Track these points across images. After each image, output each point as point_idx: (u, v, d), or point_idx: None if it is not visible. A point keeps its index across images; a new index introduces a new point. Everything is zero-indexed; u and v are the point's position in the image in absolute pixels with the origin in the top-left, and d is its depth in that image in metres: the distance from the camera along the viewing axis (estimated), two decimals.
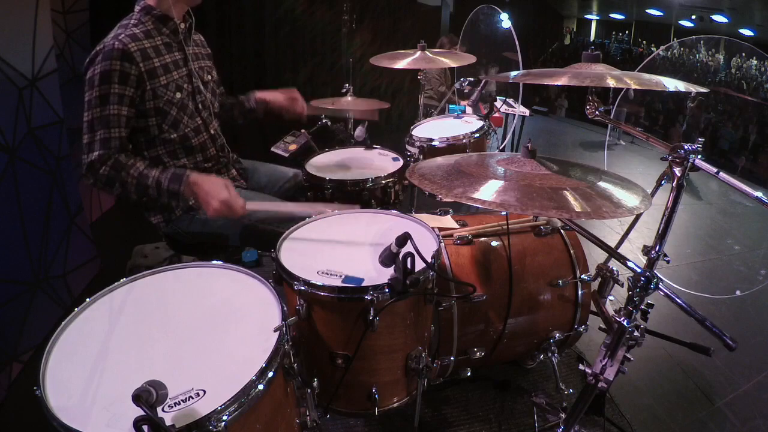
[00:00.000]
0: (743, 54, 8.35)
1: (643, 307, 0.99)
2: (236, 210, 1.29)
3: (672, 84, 0.97)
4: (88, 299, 0.99)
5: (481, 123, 2.23)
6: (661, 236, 0.97)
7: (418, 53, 2.21)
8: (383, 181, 1.76)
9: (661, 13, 10.65)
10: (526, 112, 4.14)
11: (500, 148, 3.97)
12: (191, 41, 1.52)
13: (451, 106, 3.69)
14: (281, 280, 1.15)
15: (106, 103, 1.26)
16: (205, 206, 1.28)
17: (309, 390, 1.07)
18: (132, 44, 1.28)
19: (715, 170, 1.14)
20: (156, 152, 1.44)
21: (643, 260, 1.01)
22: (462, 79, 2.52)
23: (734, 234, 3.59)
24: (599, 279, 1.15)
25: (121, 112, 1.29)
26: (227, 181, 1.32)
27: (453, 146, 2.06)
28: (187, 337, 0.91)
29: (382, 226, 1.35)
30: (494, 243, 1.53)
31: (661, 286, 0.96)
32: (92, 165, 1.26)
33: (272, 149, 2.40)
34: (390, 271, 1.04)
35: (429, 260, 1.03)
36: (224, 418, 0.74)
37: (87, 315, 0.97)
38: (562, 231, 1.60)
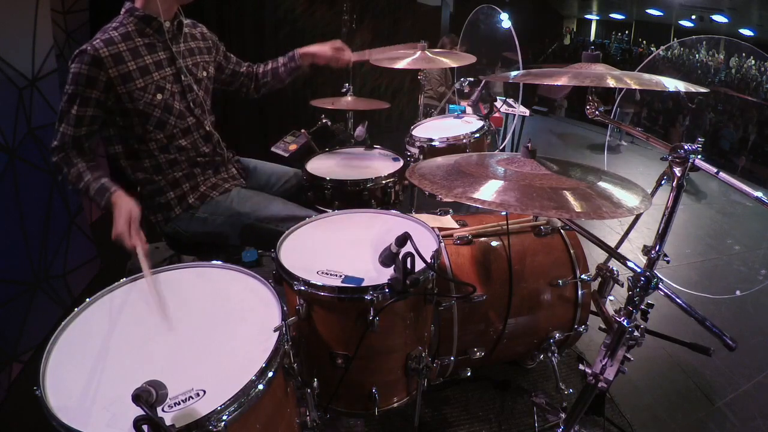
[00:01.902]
0: (743, 54, 8.35)
1: (643, 307, 0.99)
2: (126, 243, 1.22)
3: (672, 84, 0.97)
4: (88, 299, 1.00)
5: (481, 123, 2.23)
6: (661, 236, 0.97)
7: (418, 53, 2.21)
8: (383, 181, 1.76)
9: (661, 13, 10.65)
10: (526, 112, 4.14)
11: (500, 148, 3.97)
12: (182, 38, 1.50)
13: (451, 106, 3.69)
14: (281, 280, 1.15)
15: (71, 103, 1.32)
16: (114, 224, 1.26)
17: (309, 390, 1.07)
18: (104, 49, 1.30)
19: (715, 170, 1.14)
20: (147, 146, 1.44)
21: (643, 260, 1.00)
22: (462, 78, 2.52)
23: (734, 234, 3.58)
24: (599, 279, 1.15)
25: (85, 113, 1.33)
26: (135, 214, 1.24)
27: (453, 146, 2.06)
28: (186, 337, 0.91)
29: (382, 226, 1.35)
30: (494, 243, 1.53)
31: (661, 286, 0.96)
32: (52, 151, 1.37)
33: (272, 149, 2.40)
34: (390, 271, 1.04)
35: (429, 260, 1.03)
36: (224, 418, 0.74)
37: (87, 315, 0.97)
38: (562, 231, 1.60)
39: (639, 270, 0.96)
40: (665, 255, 1.01)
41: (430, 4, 6.12)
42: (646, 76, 1.00)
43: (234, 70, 1.77)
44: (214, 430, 0.72)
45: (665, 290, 0.99)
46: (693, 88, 1.00)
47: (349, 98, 2.38)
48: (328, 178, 1.73)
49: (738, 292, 2.44)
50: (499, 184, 0.95)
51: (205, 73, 1.58)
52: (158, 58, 1.41)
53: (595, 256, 1.86)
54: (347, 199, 1.73)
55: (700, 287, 2.57)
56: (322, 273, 1.12)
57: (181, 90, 1.47)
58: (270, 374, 0.83)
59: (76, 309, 0.97)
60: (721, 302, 2.41)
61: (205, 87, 1.59)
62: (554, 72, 1.08)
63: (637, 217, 1.56)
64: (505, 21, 3.52)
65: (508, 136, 4.13)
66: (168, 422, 0.67)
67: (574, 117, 8.08)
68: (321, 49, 1.77)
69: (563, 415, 1.44)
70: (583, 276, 1.54)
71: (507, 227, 1.52)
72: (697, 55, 9.05)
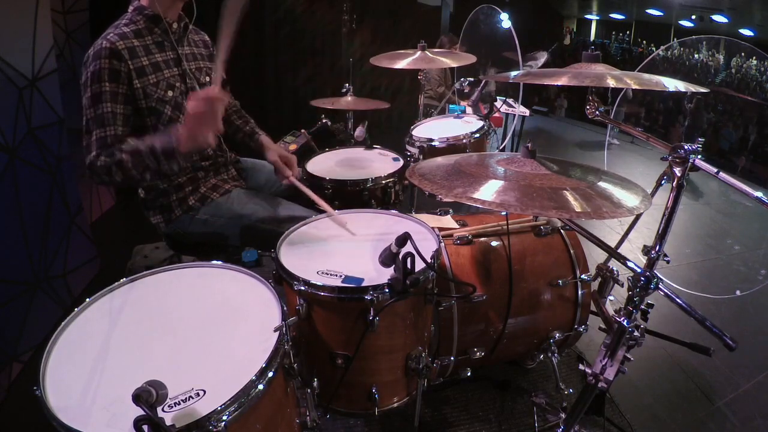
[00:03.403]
0: (743, 54, 8.35)
1: (643, 307, 0.99)
2: (212, 96, 1.11)
3: (672, 84, 0.97)
4: (88, 299, 0.99)
5: (481, 123, 2.23)
6: (661, 236, 0.97)
7: (418, 53, 2.21)
8: (383, 181, 1.76)
9: (661, 13, 10.66)
10: (526, 112, 4.14)
11: (500, 148, 3.97)
12: (187, 41, 1.51)
13: (451, 106, 3.69)
14: (281, 280, 1.15)
15: (99, 102, 1.25)
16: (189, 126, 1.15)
17: (309, 390, 1.07)
18: (120, 42, 1.29)
19: (715, 170, 1.14)
20: None
21: (643, 260, 1.00)
22: (462, 79, 2.52)
23: (734, 234, 3.58)
24: (599, 279, 1.15)
25: (116, 110, 1.27)
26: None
27: (453, 146, 2.06)
28: (187, 337, 0.91)
29: (382, 226, 1.35)
30: (494, 243, 1.53)
31: (661, 286, 0.96)
32: (92, 164, 1.24)
33: None
34: (390, 271, 1.04)
35: (429, 260, 1.03)
36: (224, 418, 0.74)
37: (87, 315, 0.97)
38: (562, 231, 1.60)
39: (639, 270, 0.96)
40: (665, 255, 1.01)
41: (430, 4, 6.12)
42: (646, 76, 1.00)
43: None
44: (214, 430, 0.72)
45: (665, 290, 0.99)
46: (693, 88, 1.00)
47: (349, 98, 2.38)
48: (328, 178, 1.73)
49: (738, 292, 2.44)
50: (499, 184, 0.95)
51: (208, 78, 1.58)
52: (167, 57, 1.42)
53: (595, 256, 1.86)
54: (347, 199, 1.73)
55: (700, 287, 2.57)
56: (322, 273, 1.12)
57: (185, 91, 1.47)
58: (270, 374, 0.83)
59: (76, 309, 0.96)
60: (721, 302, 2.41)
61: None
62: (554, 72, 1.08)
63: (637, 217, 1.56)
64: (505, 21, 3.52)
65: (508, 136, 4.13)
66: (168, 422, 0.67)
67: (574, 117, 8.08)
68: (273, 155, 1.64)
69: (563, 415, 1.44)
70: (583, 276, 1.54)
71: (507, 227, 1.51)
72: (696, 55, 9.05)
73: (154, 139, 1.21)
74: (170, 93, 1.40)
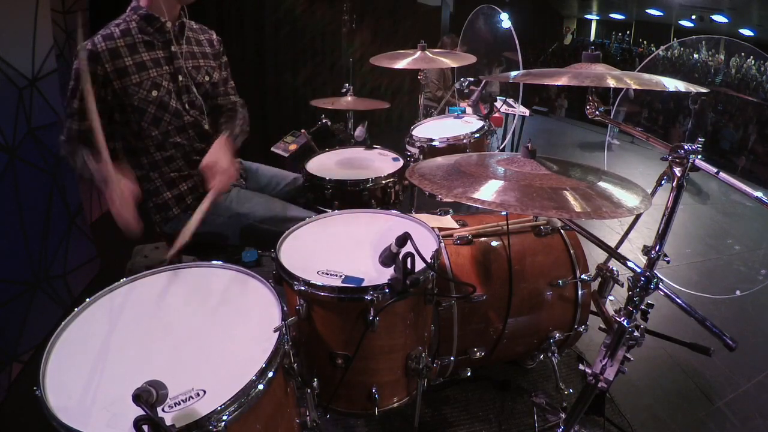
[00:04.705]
0: (742, 54, 8.34)
1: (643, 307, 0.99)
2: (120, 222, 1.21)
3: (672, 84, 0.97)
4: (88, 299, 0.99)
5: (481, 123, 2.23)
6: (661, 236, 0.97)
7: (418, 53, 2.21)
8: (383, 181, 1.76)
9: (661, 13, 10.67)
10: (526, 112, 4.14)
11: (500, 148, 3.97)
12: (185, 40, 1.51)
13: (450, 108, 3.69)
14: (281, 280, 1.15)
15: (73, 97, 1.36)
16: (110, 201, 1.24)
17: (309, 390, 1.07)
18: (102, 44, 1.32)
19: (715, 170, 1.14)
20: (143, 143, 1.46)
21: (643, 260, 1.00)
22: (462, 78, 2.52)
23: (734, 234, 3.58)
24: (599, 279, 1.15)
25: (83, 107, 1.34)
26: (130, 193, 1.24)
27: (453, 146, 2.06)
28: (187, 337, 0.91)
29: (382, 226, 1.35)
30: (494, 243, 1.53)
31: (661, 286, 0.96)
32: (61, 144, 1.42)
33: (272, 149, 2.40)
34: (390, 271, 1.04)
35: (429, 260, 1.03)
36: (224, 418, 0.74)
37: (87, 315, 0.97)
38: (562, 231, 1.60)
39: (639, 270, 0.96)
40: (665, 255, 1.01)
41: (430, 4, 6.12)
42: (646, 76, 1.00)
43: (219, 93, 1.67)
44: (214, 430, 0.72)
45: (665, 290, 0.99)
46: (693, 88, 1.00)
47: (349, 98, 2.38)
48: (328, 178, 1.73)
49: (738, 292, 2.44)
50: (499, 184, 0.95)
51: (207, 78, 1.57)
52: (156, 56, 1.42)
53: (595, 256, 1.86)
54: (347, 199, 1.73)
55: (700, 287, 2.57)
56: (322, 273, 1.12)
57: (177, 90, 1.47)
58: (270, 374, 0.83)
59: (76, 309, 0.96)
60: (721, 302, 2.41)
61: (206, 91, 1.57)
62: (554, 72, 1.08)
63: (637, 217, 1.56)
64: (505, 21, 3.52)
65: (508, 136, 4.13)
66: (168, 422, 0.67)
67: (574, 117, 8.08)
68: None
69: (563, 415, 1.44)
70: (583, 276, 1.54)
71: (507, 227, 1.52)
72: (696, 55, 9.05)
73: (95, 174, 1.27)
74: (154, 93, 1.41)
